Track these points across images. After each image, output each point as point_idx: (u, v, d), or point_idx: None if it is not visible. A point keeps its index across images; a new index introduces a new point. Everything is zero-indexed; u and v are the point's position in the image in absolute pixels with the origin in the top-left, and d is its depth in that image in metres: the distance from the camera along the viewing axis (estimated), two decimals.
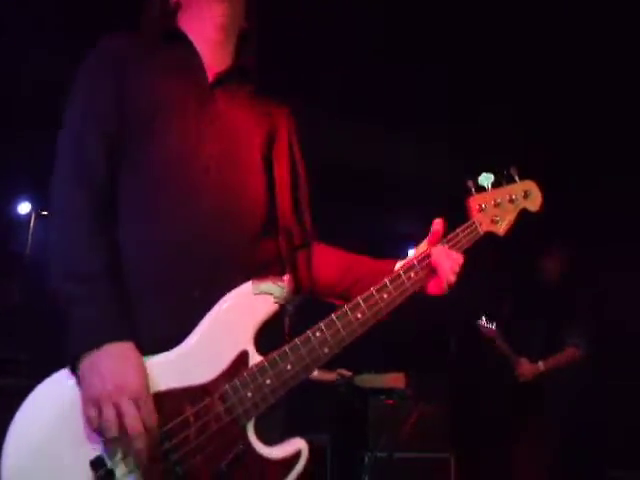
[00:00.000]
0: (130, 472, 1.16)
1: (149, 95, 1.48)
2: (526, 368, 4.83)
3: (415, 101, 5.09)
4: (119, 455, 1.17)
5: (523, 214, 1.70)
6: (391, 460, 4.38)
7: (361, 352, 4.18)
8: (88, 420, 1.17)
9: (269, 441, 1.31)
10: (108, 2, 3.87)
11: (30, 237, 5.72)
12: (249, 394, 1.26)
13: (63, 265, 1.28)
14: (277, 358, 1.29)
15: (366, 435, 5.30)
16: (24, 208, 5.98)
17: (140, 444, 1.15)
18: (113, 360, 1.19)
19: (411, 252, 5.74)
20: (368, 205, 5.95)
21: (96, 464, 1.16)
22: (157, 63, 1.55)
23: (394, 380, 5.36)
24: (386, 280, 1.44)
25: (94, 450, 1.17)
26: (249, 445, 1.26)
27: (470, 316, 6.96)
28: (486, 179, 1.65)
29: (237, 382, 1.26)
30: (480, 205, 1.63)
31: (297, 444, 1.34)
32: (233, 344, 1.26)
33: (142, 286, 1.33)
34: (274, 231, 1.51)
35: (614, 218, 5.59)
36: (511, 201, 1.64)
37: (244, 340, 1.27)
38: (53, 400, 1.20)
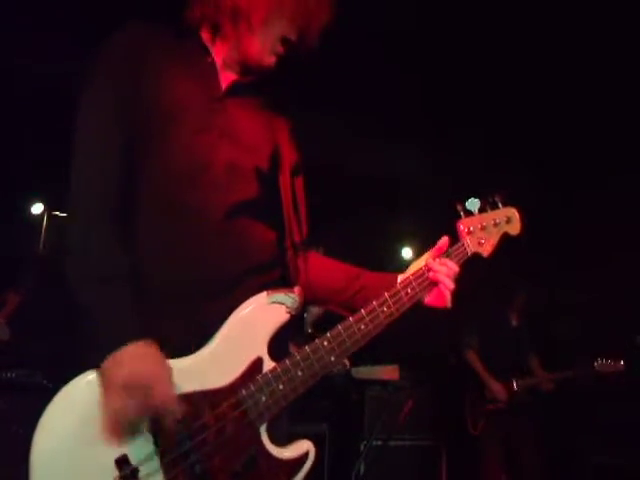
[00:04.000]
0: (154, 471, 1.22)
1: (162, 101, 1.49)
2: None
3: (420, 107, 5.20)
4: (144, 454, 1.22)
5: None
6: (386, 448, 4.54)
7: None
8: (114, 412, 1.21)
9: (277, 442, 1.40)
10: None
11: (43, 237, 5.75)
12: (263, 398, 1.32)
13: (87, 267, 1.32)
14: (289, 365, 1.36)
15: (362, 424, 5.52)
16: (37, 208, 5.99)
17: (169, 423, 1.22)
18: (139, 356, 1.24)
19: (405, 251, 5.90)
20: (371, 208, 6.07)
21: (121, 462, 1.21)
22: (172, 64, 1.55)
23: (389, 372, 5.55)
24: (386, 294, 1.54)
25: (119, 449, 1.22)
26: (262, 447, 1.32)
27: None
28: (473, 204, 1.81)
29: (252, 387, 1.32)
30: (468, 228, 1.79)
31: (305, 445, 1.44)
32: (249, 350, 1.33)
33: (161, 293, 1.38)
34: (280, 240, 1.57)
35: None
36: (495, 225, 1.81)
37: (259, 347, 1.34)
38: (79, 401, 1.23)
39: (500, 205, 1.84)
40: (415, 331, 6.93)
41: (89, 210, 1.37)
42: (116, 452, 1.21)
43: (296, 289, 1.43)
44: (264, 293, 1.37)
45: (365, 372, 5.39)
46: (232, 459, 1.27)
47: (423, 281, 1.65)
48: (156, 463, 1.22)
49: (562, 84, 5.03)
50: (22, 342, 4.31)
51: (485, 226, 1.79)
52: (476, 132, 5.39)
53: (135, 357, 1.23)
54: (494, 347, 5.05)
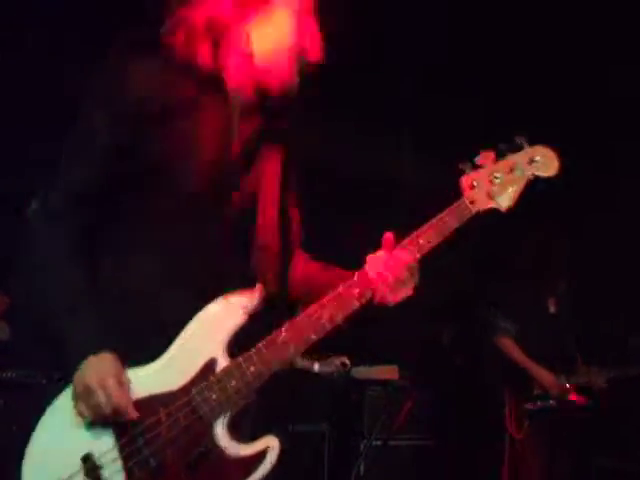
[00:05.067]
0: (115, 466, 1.40)
1: (171, 148, 1.53)
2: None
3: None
4: (105, 451, 1.41)
5: None
6: (386, 448, 4.57)
7: (356, 346, 4.43)
8: (80, 414, 1.42)
9: (241, 439, 1.45)
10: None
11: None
12: (214, 395, 1.41)
13: (50, 300, 1.51)
14: (242, 362, 1.43)
15: (362, 424, 5.54)
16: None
17: (130, 412, 1.39)
18: (95, 366, 1.42)
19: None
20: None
21: (85, 460, 1.41)
22: (190, 114, 1.54)
23: (388, 372, 5.57)
24: (324, 299, 1.52)
25: (85, 448, 1.42)
26: (215, 442, 1.41)
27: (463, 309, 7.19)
28: (485, 157, 1.51)
29: (203, 385, 1.43)
30: (472, 182, 1.54)
31: (267, 442, 1.44)
32: (204, 353, 1.44)
33: (134, 303, 1.52)
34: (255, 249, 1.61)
35: None
36: (511, 171, 1.51)
37: (214, 349, 1.44)
38: (58, 415, 1.46)
39: (525, 146, 1.51)
40: (418, 330, 6.99)
41: (46, 248, 1.52)
42: (82, 451, 1.41)
43: (256, 288, 1.47)
44: (221, 298, 1.45)
45: (364, 372, 5.41)
46: (184, 453, 1.39)
47: (365, 281, 1.59)
48: (116, 459, 1.41)
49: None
50: (22, 342, 4.32)
51: (497, 176, 1.50)
52: (475, 131, 5.37)
53: (93, 369, 1.41)
54: (529, 336, 4.28)
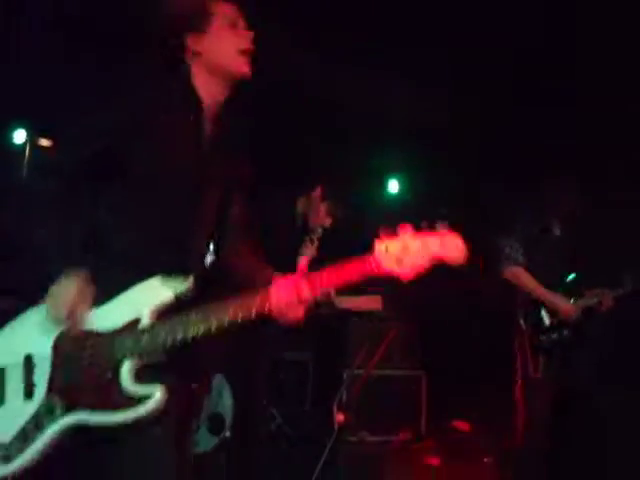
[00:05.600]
0: (42, 367, 1.77)
1: (158, 139, 1.85)
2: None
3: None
4: (42, 357, 1.77)
5: None
6: (368, 377, 4.68)
7: None
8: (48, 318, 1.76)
9: (139, 380, 1.75)
10: None
11: (26, 167, 5.56)
12: (129, 343, 1.74)
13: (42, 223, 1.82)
14: (157, 324, 1.76)
15: (345, 353, 5.69)
16: (20, 136, 5.79)
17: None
18: (66, 280, 1.74)
19: (391, 184, 5.85)
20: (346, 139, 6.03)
21: (28, 358, 1.79)
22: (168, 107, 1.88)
23: (372, 302, 5.69)
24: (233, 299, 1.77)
25: (30, 349, 1.81)
26: (116, 375, 1.73)
27: None
28: (404, 229, 1.64)
29: (124, 333, 1.76)
30: (386, 246, 1.64)
31: (153, 389, 1.71)
32: (132, 312, 1.78)
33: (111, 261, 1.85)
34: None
35: None
36: (423, 248, 1.62)
37: (141, 311, 1.77)
38: (32, 314, 1.86)
39: (441, 229, 1.64)
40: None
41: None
42: (27, 350, 1.80)
43: (189, 279, 1.80)
44: (154, 278, 1.79)
45: (348, 301, 5.49)
46: (94, 377, 1.73)
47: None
48: (47, 366, 1.77)
49: None
50: (3, 267, 4.34)
51: (409, 248, 1.62)
52: (468, 64, 5.29)
53: (65, 281, 1.74)
54: (537, 262, 3.92)
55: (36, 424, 1.74)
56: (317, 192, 3.79)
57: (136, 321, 1.77)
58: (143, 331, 1.75)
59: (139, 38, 1.99)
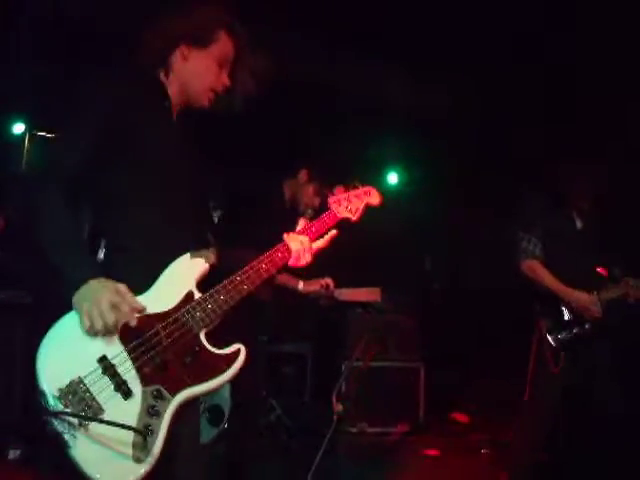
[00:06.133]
0: (126, 363, 1.76)
1: (136, 134, 1.96)
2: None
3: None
4: (117, 352, 1.75)
5: None
6: (367, 368, 4.69)
7: (341, 269, 4.50)
8: (91, 325, 1.71)
9: (216, 346, 1.91)
10: None
11: (25, 158, 5.56)
12: (198, 313, 1.87)
13: (50, 241, 1.79)
14: (214, 292, 1.93)
15: (344, 345, 5.70)
16: (18, 128, 5.79)
17: (112, 329, 1.73)
18: (98, 285, 1.75)
19: (390, 176, 5.88)
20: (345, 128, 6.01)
21: (102, 360, 1.74)
22: (143, 104, 2.00)
23: (371, 294, 5.69)
24: (261, 257, 2.10)
25: (99, 352, 1.75)
26: (203, 345, 1.87)
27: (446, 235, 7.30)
28: (340, 189, 2.45)
29: (188, 307, 1.88)
30: (337, 200, 2.42)
31: (237, 345, 1.91)
32: (182, 287, 1.91)
33: (129, 254, 1.91)
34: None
35: None
36: (357, 196, 2.46)
37: (190, 285, 1.92)
38: (72, 323, 1.76)
39: (359, 186, 2.50)
40: (400, 257, 7.10)
41: (45, 204, 1.81)
42: (97, 354, 1.74)
43: (211, 249, 2.02)
44: (187, 254, 1.96)
45: (348, 293, 5.50)
46: (181, 353, 1.82)
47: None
48: (126, 359, 1.76)
49: None
50: (9, 263, 4.35)
51: (349, 199, 2.44)
52: (467, 53, 5.26)
53: (97, 288, 1.74)
54: (557, 257, 3.79)
55: (153, 414, 1.75)
56: (303, 175, 3.81)
57: (190, 294, 1.90)
58: (205, 300, 1.90)
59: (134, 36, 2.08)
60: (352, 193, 2.46)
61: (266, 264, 2.06)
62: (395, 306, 5.96)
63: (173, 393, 1.78)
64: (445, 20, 4.99)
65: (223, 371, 1.86)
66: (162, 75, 2.12)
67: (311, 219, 3.79)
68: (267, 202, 3.23)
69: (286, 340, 5.85)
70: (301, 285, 3.74)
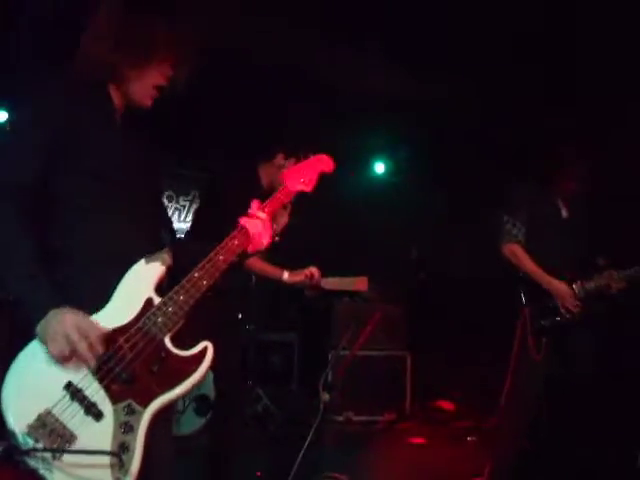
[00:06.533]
0: (93, 385, 1.72)
1: (83, 134, 1.91)
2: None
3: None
4: (82, 377, 1.71)
5: None
6: (353, 357, 4.71)
7: (326, 258, 4.50)
8: (54, 355, 1.69)
9: (181, 348, 1.88)
10: None
11: None
12: (159, 319, 1.83)
13: (6, 268, 1.76)
14: (172, 294, 1.88)
15: (330, 334, 5.73)
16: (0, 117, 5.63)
17: (89, 359, 1.69)
18: (61, 315, 1.70)
19: (377, 166, 5.87)
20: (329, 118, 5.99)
21: (68, 386, 1.70)
22: (90, 108, 1.96)
23: (358, 283, 5.69)
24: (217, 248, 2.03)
25: (64, 379, 1.71)
26: (169, 351, 1.83)
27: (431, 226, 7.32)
28: (292, 163, 2.50)
29: (148, 314, 1.84)
30: (290, 174, 2.35)
31: (203, 344, 1.87)
32: (141, 295, 1.87)
33: (80, 268, 1.86)
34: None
35: None
36: (309, 165, 2.39)
37: (148, 291, 1.88)
38: (32, 355, 1.73)
39: (311, 155, 2.42)
40: (386, 246, 7.12)
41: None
42: (62, 382, 1.70)
43: (165, 250, 1.97)
44: (142, 260, 1.91)
45: (334, 282, 5.50)
46: (147, 363, 1.78)
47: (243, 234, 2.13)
48: (93, 380, 1.72)
49: None
50: None
51: (301, 170, 2.36)
52: (455, 43, 5.24)
53: (60, 318, 1.70)
54: (541, 244, 3.81)
55: (127, 430, 1.72)
56: (280, 158, 3.76)
57: (150, 300, 1.86)
58: (164, 304, 1.86)
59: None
60: (304, 164, 2.39)
61: (223, 254, 2.01)
62: (382, 295, 5.98)
63: (144, 405, 1.76)
64: (432, 11, 4.98)
65: (192, 372, 1.83)
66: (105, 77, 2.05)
67: (290, 205, 3.82)
68: (243, 189, 3.14)
69: (273, 329, 5.86)
70: (286, 275, 3.70)
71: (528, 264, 3.76)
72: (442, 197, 7.06)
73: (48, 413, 1.66)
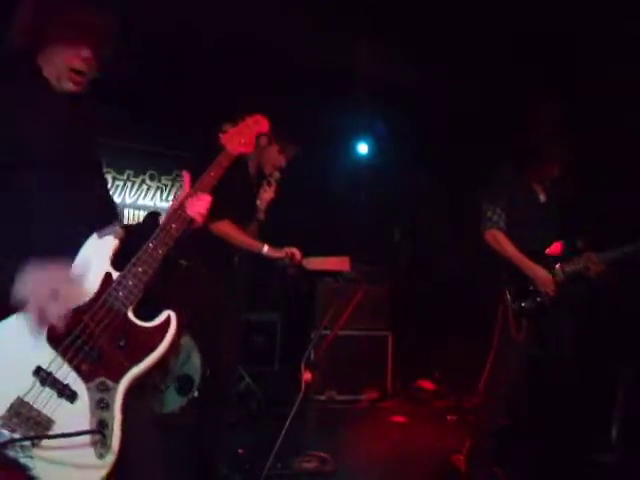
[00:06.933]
0: (61, 366, 1.71)
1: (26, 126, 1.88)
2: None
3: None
4: (50, 359, 1.70)
5: None
6: (335, 337, 4.73)
7: (310, 238, 4.51)
8: (32, 311, 1.65)
9: (147, 319, 1.89)
10: None
11: None
12: (120, 293, 1.84)
13: None
14: (130, 266, 1.89)
15: (313, 314, 5.74)
16: None
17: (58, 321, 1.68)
18: (29, 273, 1.68)
19: (360, 146, 5.85)
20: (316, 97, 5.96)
21: (37, 371, 1.69)
22: (26, 95, 1.93)
23: (340, 263, 5.70)
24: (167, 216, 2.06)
25: (32, 364, 1.69)
26: (132, 324, 1.84)
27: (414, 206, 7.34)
28: (226, 127, 2.38)
29: (110, 290, 1.84)
30: (228, 138, 2.34)
31: (166, 313, 1.90)
32: (99, 271, 1.87)
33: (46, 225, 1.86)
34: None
35: None
36: (247, 128, 2.39)
37: (105, 266, 1.88)
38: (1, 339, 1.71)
39: (246, 117, 2.43)
40: (369, 227, 7.14)
41: None
42: (30, 367, 1.69)
43: (116, 223, 1.97)
44: (95, 234, 1.91)
45: (316, 262, 5.49)
46: (114, 338, 1.79)
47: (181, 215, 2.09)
48: (62, 362, 1.72)
49: None
50: None
51: (240, 132, 2.37)
52: (438, 22, 5.21)
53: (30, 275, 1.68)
54: (521, 229, 3.87)
55: (104, 407, 1.73)
56: (263, 140, 3.77)
57: (108, 275, 1.86)
58: (124, 277, 1.86)
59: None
60: (242, 126, 2.40)
61: (175, 222, 2.02)
62: (364, 275, 6.00)
63: (117, 380, 1.77)
64: None
65: (158, 343, 1.85)
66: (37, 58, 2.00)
67: (276, 183, 3.82)
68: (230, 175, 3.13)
69: (255, 309, 5.87)
70: (266, 249, 3.69)
71: (509, 249, 3.80)
72: (425, 178, 7.08)
73: (21, 402, 1.64)
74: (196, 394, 4.73)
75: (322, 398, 5.53)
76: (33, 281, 1.66)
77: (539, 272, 3.76)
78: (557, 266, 3.79)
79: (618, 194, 4.58)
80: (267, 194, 3.88)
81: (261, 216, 3.91)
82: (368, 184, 7.30)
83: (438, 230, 7.07)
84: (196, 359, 4.80)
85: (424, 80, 6.01)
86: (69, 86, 1.98)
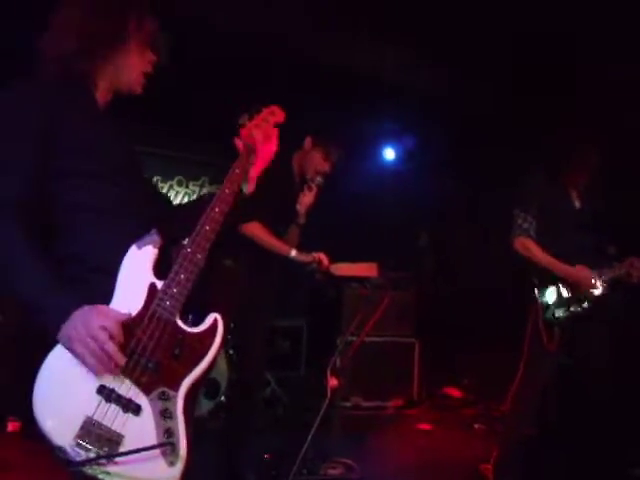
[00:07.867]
0: (125, 383, 1.73)
1: (74, 137, 1.90)
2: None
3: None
4: (112, 377, 1.73)
5: None
6: (361, 343, 4.73)
7: (337, 244, 4.51)
8: (80, 359, 1.68)
9: (192, 323, 1.92)
10: None
11: None
12: (167, 302, 1.84)
13: (19, 289, 1.75)
14: (172, 276, 1.89)
15: (339, 319, 5.73)
16: None
17: (119, 359, 1.71)
18: (76, 318, 1.71)
19: (387, 152, 5.82)
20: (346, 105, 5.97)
21: (101, 390, 1.71)
22: (74, 107, 1.94)
23: (368, 269, 5.69)
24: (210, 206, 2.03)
25: (96, 383, 1.72)
26: (183, 331, 1.86)
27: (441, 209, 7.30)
28: (243, 119, 2.29)
29: (156, 300, 1.85)
30: (248, 132, 2.26)
31: (212, 316, 1.92)
32: (142, 283, 1.88)
33: (98, 269, 1.87)
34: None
35: None
36: (263, 119, 2.29)
37: (148, 277, 1.89)
38: (57, 366, 1.72)
39: (262, 109, 2.32)
40: (396, 232, 7.12)
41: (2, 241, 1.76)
42: (94, 386, 1.71)
43: (153, 232, 1.94)
44: (133, 246, 1.90)
45: (344, 268, 5.50)
46: (168, 348, 1.82)
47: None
48: (123, 377, 1.75)
49: None
50: None
51: (258, 125, 2.27)
52: (466, 27, 5.19)
53: (83, 319, 1.71)
54: (554, 235, 3.76)
55: (168, 416, 1.76)
56: (308, 142, 3.78)
57: (153, 285, 1.88)
58: (168, 286, 1.87)
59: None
60: (259, 118, 2.32)
61: (209, 224, 2.00)
62: (391, 281, 5.97)
63: (176, 389, 1.80)
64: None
65: (209, 347, 1.88)
66: (87, 70, 2.04)
67: (317, 188, 3.81)
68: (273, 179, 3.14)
69: (282, 314, 5.87)
70: (294, 253, 3.72)
71: (540, 256, 3.71)
72: (451, 183, 7.04)
73: (90, 420, 1.68)
74: (223, 399, 4.75)
75: (348, 404, 5.51)
76: (84, 326, 1.69)
77: (579, 272, 3.65)
78: (595, 273, 3.66)
79: (618, 194, 4.40)
80: (307, 198, 3.86)
81: (301, 220, 3.91)
82: (394, 189, 7.28)
83: (464, 235, 7.03)
84: (222, 363, 4.82)
85: (452, 85, 5.98)
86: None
